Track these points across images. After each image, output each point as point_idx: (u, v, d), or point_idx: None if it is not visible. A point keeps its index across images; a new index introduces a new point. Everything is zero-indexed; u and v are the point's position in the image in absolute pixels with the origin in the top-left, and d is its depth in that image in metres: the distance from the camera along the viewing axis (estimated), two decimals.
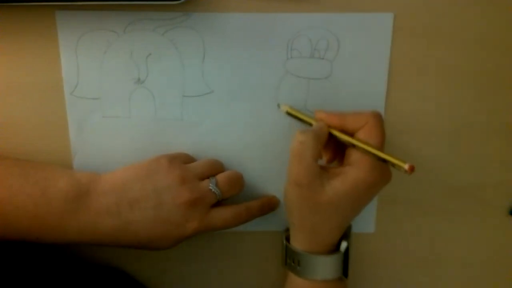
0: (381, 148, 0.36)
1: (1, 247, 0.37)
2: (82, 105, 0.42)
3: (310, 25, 0.40)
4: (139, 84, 0.41)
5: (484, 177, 0.44)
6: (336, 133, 0.38)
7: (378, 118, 0.37)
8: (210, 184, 0.39)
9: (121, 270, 0.46)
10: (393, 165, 0.35)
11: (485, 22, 0.40)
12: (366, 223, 0.45)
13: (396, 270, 0.47)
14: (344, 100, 0.42)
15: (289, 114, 0.41)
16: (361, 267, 0.46)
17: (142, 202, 0.37)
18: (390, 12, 0.40)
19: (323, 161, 0.40)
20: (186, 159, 0.41)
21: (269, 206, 0.43)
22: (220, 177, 0.40)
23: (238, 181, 0.41)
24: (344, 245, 0.38)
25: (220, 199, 0.39)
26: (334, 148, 0.40)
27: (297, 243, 0.38)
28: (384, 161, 0.35)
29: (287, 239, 0.40)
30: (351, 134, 0.37)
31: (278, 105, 0.42)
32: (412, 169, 0.33)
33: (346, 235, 0.39)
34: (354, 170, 0.36)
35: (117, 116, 0.42)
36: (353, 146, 0.37)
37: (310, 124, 0.39)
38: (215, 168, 0.41)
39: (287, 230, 0.41)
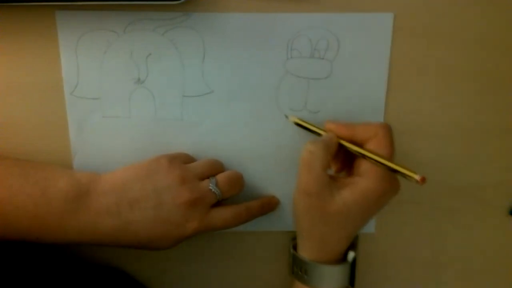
0: (391, 158, 0.36)
1: (1, 247, 0.37)
2: (82, 105, 0.42)
3: (310, 25, 0.40)
4: (139, 84, 0.41)
5: (484, 177, 0.44)
6: (346, 143, 0.38)
7: (387, 129, 0.37)
8: (210, 184, 0.39)
9: (121, 270, 0.46)
10: (404, 175, 0.35)
11: (485, 22, 0.40)
12: None
13: (396, 270, 0.47)
14: (344, 100, 0.42)
15: (297, 124, 0.41)
16: (361, 267, 0.46)
17: (142, 202, 0.37)
18: (390, 12, 0.40)
19: (331, 171, 0.40)
20: (186, 159, 0.41)
21: (269, 206, 0.43)
22: (220, 177, 0.40)
23: (238, 181, 0.41)
24: (351, 255, 0.38)
25: (220, 199, 0.39)
26: (343, 158, 0.40)
27: (305, 252, 0.38)
28: (395, 171, 0.35)
29: (294, 247, 0.40)
30: (360, 145, 0.37)
31: (286, 116, 0.42)
32: (423, 180, 0.33)
33: (353, 245, 0.39)
34: (364, 180, 0.36)
35: (117, 116, 0.42)
36: (363, 156, 0.37)
37: (319, 134, 0.39)
38: (215, 168, 0.41)
39: (294, 239, 0.41)
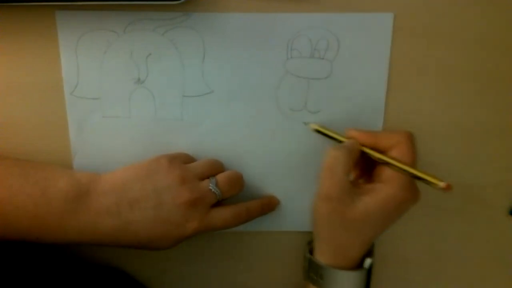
0: (414, 166, 0.36)
1: (1, 247, 0.37)
2: (82, 105, 0.42)
3: (310, 25, 0.40)
4: (139, 84, 0.41)
5: (484, 177, 0.44)
6: (369, 150, 0.38)
7: (411, 138, 0.37)
8: (210, 184, 0.39)
9: (121, 270, 0.46)
10: (429, 183, 0.35)
11: (485, 22, 0.40)
12: None
13: (395, 270, 0.47)
14: (344, 100, 0.42)
15: (318, 132, 0.41)
16: None
17: (142, 202, 0.37)
18: (390, 12, 0.40)
19: (350, 177, 0.40)
20: (186, 159, 0.41)
21: (269, 206, 0.43)
22: (220, 177, 0.40)
23: (238, 181, 0.41)
24: (368, 261, 0.38)
25: (220, 199, 0.39)
26: (362, 166, 0.40)
27: (322, 256, 0.38)
28: (420, 178, 0.35)
29: (310, 252, 0.40)
30: (382, 153, 0.38)
31: (305, 123, 0.42)
32: (449, 187, 0.34)
33: (370, 252, 0.39)
34: (386, 187, 0.36)
35: (117, 116, 0.42)
36: (386, 163, 0.37)
37: (340, 141, 0.39)
38: (215, 168, 0.41)
39: (309, 243, 0.41)
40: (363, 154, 0.38)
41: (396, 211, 0.37)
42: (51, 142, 0.42)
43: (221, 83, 0.41)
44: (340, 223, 0.36)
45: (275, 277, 0.47)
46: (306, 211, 0.45)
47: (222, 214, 0.39)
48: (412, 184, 0.37)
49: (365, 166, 0.40)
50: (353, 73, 0.41)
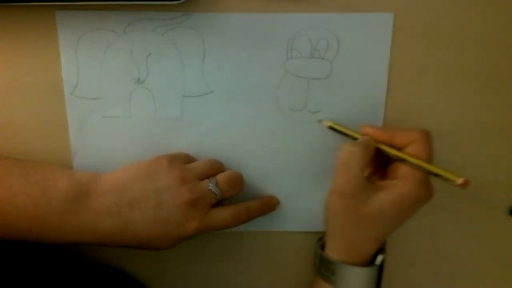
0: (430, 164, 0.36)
1: (1, 247, 0.37)
2: (82, 105, 0.42)
3: (310, 25, 0.40)
4: (139, 84, 0.41)
5: (484, 177, 0.44)
6: (384, 147, 0.38)
7: (428, 136, 0.37)
8: (210, 184, 0.39)
9: (121, 270, 0.46)
10: (447, 179, 0.35)
11: (485, 22, 0.40)
12: None
13: (396, 270, 0.47)
14: (344, 100, 0.42)
15: (332, 128, 0.41)
16: None
17: (142, 202, 0.37)
18: (390, 12, 0.40)
19: (365, 174, 0.40)
20: (186, 159, 0.41)
21: (269, 206, 0.43)
22: (220, 177, 0.39)
23: (238, 181, 0.41)
24: (380, 258, 0.38)
25: (220, 199, 0.39)
26: (376, 162, 0.40)
27: (333, 252, 0.38)
28: (436, 175, 0.35)
29: (321, 248, 0.40)
30: (398, 150, 0.37)
31: (319, 121, 0.42)
32: (466, 183, 0.33)
33: (382, 249, 0.39)
34: (401, 184, 0.36)
35: (117, 116, 0.42)
36: (401, 160, 0.37)
37: (354, 138, 0.39)
38: (215, 168, 0.41)
39: (320, 239, 0.41)
40: (377, 151, 0.38)
41: (411, 208, 0.37)
42: (51, 142, 0.42)
43: (221, 83, 0.41)
44: (354, 220, 0.36)
45: (275, 277, 0.47)
46: (306, 211, 0.45)
47: (222, 214, 0.39)
48: (427, 181, 0.36)
49: (379, 163, 0.40)
50: (353, 73, 0.41)
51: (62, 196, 0.36)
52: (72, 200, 0.36)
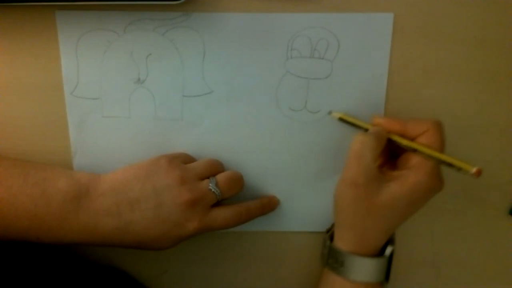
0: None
1: (1, 247, 0.37)
2: (82, 105, 0.42)
3: (310, 25, 0.40)
4: (139, 84, 0.41)
5: (484, 177, 0.44)
6: (396, 137, 0.38)
7: (440, 126, 0.37)
8: (210, 184, 0.39)
9: (122, 270, 0.46)
10: (460, 168, 0.35)
11: (485, 22, 0.40)
12: None
13: (396, 270, 0.47)
14: (344, 100, 0.42)
15: (342, 120, 0.41)
16: None
17: (142, 202, 0.37)
18: (390, 12, 0.40)
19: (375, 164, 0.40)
20: (186, 159, 0.41)
21: (269, 206, 0.43)
22: (220, 177, 0.39)
23: (238, 181, 0.41)
24: (389, 249, 0.38)
25: (220, 199, 0.39)
26: (386, 153, 0.40)
27: (343, 243, 0.38)
28: (449, 165, 0.35)
29: (330, 239, 0.40)
30: (410, 140, 0.37)
31: (329, 112, 0.42)
32: (479, 173, 0.33)
33: (391, 240, 0.39)
34: (413, 174, 0.36)
35: (117, 116, 0.42)
36: (413, 150, 0.37)
37: (366, 129, 0.39)
38: (215, 168, 0.41)
39: (328, 230, 0.41)
40: (388, 142, 0.38)
41: (422, 198, 0.36)
42: (51, 142, 0.42)
43: (221, 83, 0.41)
44: (365, 210, 0.36)
45: (275, 277, 0.47)
46: (306, 211, 0.45)
47: (222, 214, 0.39)
48: (439, 172, 0.36)
49: (388, 154, 0.40)
50: (353, 73, 0.41)
51: (62, 197, 0.36)
52: (72, 201, 0.36)
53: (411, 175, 0.36)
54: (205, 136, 0.43)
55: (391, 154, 0.39)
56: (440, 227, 0.46)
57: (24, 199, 0.35)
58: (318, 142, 0.43)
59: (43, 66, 0.41)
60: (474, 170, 0.34)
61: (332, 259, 0.39)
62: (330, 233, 0.40)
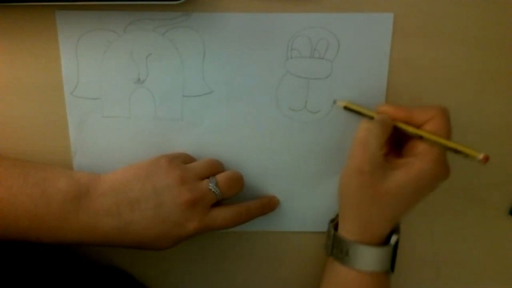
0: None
1: (1, 247, 0.37)
2: (82, 105, 0.42)
3: (310, 25, 0.40)
4: (139, 84, 0.41)
5: (484, 177, 0.44)
6: (402, 125, 0.38)
7: (446, 112, 0.37)
8: (210, 184, 0.39)
9: (122, 270, 0.46)
10: (467, 155, 0.35)
11: (485, 22, 0.40)
12: None
13: (396, 270, 0.47)
14: (344, 100, 0.42)
15: (347, 109, 0.41)
16: None
17: (142, 203, 0.37)
18: (390, 12, 0.40)
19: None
20: (186, 159, 0.41)
21: (269, 206, 0.43)
22: (220, 177, 0.39)
23: (238, 181, 0.41)
24: (394, 238, 0.38)
25: (220, 199, 0.39)
26: (391, 141, 0.39)
27: (347, 232, 0.38)
28: (456, 151, 0.35)
29: (335, 228, 0.40)
30: (416, 127, 0.37)
31: (334, 101, 0.41)
32: (486, 159, 0.33)
33: (396, 229, 0.38)
34: (419, 161, 0.36)
35: (117, 116, 0.42)
36: (419, 138, 0.36)
37: (371, 117, 0.39)
38: (215, 168, 0.41)
39: (332, 220, 0.41)
40: (393, 130, 0.38)
41: (428, 185, 0.36)
42: (51, 142, 0.42)
43: (221, 83, 0.41)
44: (370, 198, 0.36)
45: (275, 277, 0.47)
46: (306, 211, 0.45)
47: (222, 214, 0.39)
48: (445, 159, 0.36)
49: (394, 142, 0.39)
50: (353, 73, 0.41)
51: (62, 197, 0.36)
52: (72, 201, 0.36)
53: (417, 162, 0.36)
54: (205, 136, 0.43)
55: (397, 142, 0.39)
56: (440, 227, 0.46)
57: (24, 199, 0.35)
58: (318, 142, 0.43)
59: (43, 66, 0.41)
60: (481, 156, 0.34)
61: (336, 248, 0.38)
62: (334, 223, 0.40)
